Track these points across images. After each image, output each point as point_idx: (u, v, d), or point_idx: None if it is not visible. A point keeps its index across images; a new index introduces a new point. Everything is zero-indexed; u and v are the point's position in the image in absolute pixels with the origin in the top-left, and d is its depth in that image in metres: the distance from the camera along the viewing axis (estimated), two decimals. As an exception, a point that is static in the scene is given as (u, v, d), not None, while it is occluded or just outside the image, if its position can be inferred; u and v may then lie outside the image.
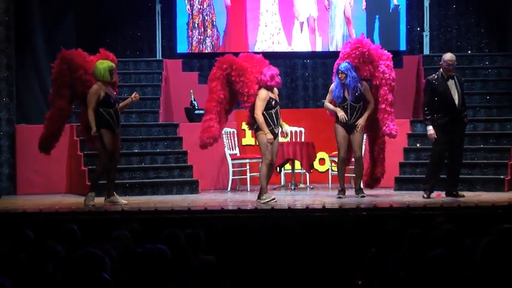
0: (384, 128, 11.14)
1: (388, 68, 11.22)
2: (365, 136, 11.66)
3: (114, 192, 10.94)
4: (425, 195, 11.05)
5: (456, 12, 15.39)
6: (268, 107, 10.84)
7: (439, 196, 11.19)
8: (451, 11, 15.39)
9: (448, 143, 11.02)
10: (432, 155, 11.28)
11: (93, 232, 7.24)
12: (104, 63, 10.69)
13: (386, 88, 11.16)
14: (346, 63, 11.21)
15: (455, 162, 11.17)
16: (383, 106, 11.16)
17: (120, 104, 11.02)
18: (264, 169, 10.85)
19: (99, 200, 10.84)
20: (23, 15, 13.54)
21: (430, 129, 11.10)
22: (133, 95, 11.12)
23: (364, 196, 11.24)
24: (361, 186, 11.47)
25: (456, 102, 10.96)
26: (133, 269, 5.29)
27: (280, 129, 10.98)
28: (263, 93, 10.83)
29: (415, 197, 11.17)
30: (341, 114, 11.20)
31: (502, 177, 12.05)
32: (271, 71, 10.88)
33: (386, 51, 11.46)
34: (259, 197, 10.83)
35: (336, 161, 13.03)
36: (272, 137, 10.79)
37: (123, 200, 10.88)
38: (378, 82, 11.20)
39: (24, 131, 13.04)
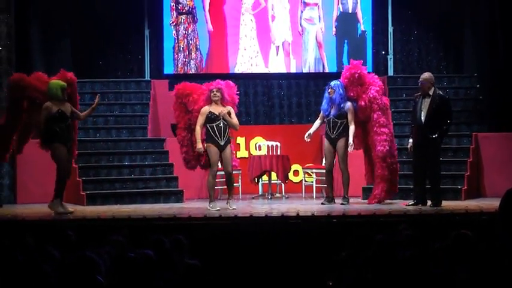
0: (377, 148, 11.09)
1: (378, 94, 11.17)
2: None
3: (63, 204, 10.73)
4: (408, 203, 10.95)
5: (417, 38, 15.46)
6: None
7: (404, 205, 11.16)
8: (412, 36, 15.46)
9: (422, 157, 10.87)
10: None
11: (88, 237, 7.19)
12: (57, 83, 10.55)
13: (380, 112, 11.12)
14: (337, 81, 11.23)
15: (428, 175, 10.94)
16: (375, 129, 11.12)
17: (84, 112, 10.87)
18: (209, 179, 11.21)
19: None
20: (23, 39, 13.52)
21: (409, 142, 11.08)
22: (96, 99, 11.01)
23: (343, 204, 11.19)
24: (346, 195, 11.35)
25: (422, 119, 10.81)
26: (124, 272, 5.25)
27: (224, 142, 10.99)
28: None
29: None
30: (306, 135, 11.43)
31: (459, 187, 12.11)
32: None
33: (380, 81, 11.47)
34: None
35: (309, 172, 13.07)
36: (200, 147, 10.95)
37: (70, 209, 10.71)
38: (363, 103, 11.14)
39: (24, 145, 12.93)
